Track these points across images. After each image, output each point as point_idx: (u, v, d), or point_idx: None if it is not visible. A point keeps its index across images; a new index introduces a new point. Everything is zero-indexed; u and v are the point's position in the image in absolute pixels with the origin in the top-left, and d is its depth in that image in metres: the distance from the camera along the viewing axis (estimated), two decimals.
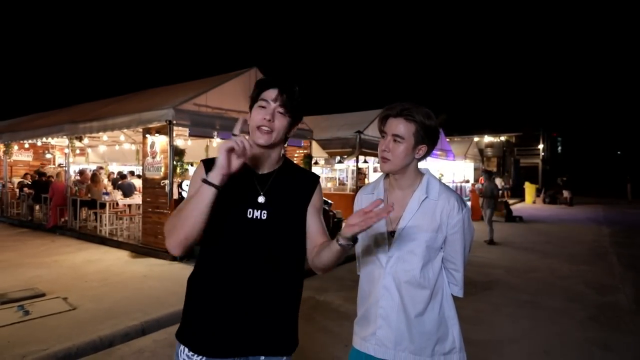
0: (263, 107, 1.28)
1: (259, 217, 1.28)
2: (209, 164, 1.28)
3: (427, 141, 1.39)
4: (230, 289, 1.26)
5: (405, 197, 1.44)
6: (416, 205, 1.40)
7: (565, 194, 19.42)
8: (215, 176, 1.13)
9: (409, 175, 1.44)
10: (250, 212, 1.28)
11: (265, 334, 1.28)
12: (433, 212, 1.39)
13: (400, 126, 1.37)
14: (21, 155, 13.07)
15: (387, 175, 1.51)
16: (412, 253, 1.39)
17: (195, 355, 1.27)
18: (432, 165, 16.79)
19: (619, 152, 47.51)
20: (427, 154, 1.43)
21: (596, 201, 20.78)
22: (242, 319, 1.25)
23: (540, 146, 30.59)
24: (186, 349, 1.28)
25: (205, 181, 1.13)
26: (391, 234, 1.42)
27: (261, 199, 1.30)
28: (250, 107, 1.32)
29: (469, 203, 14.07)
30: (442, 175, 17.80)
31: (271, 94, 1.27)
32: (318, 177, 1.45)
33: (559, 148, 41.38)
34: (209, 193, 1.13)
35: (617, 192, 26.51)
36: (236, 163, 1.15)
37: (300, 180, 1.39)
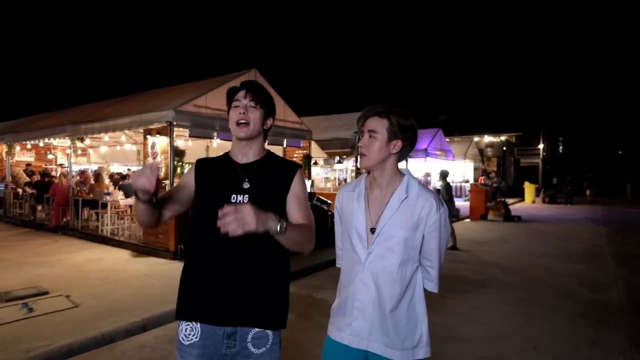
0: (237, 106, 1.49)
1: (241, 201, 1.42)
2: (201, 164, 1.56)
3: (401, 136, 1.47)
4: (217, 266, 1.41)
5: (385, 196, 1.51)
6: (396, 204, 1.46)
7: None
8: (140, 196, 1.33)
9: (388, 173, 1.51)
10: (234, 197, 1.44)
11: (252, 307, 1.40)
12: (412, 211, 1.46)
13: (374, 123, 1.48)
14: (23, 155, 13.18)
15: (368, 173, 1.59)
16: (391, 250, 1.45)
17: (191, 329, 1.41)
18: (432, 165, 16.88)
19: (620, 152, 47.47)
20: (405, 151, 1.50)
21: (596, 201, 20.80)
22: (229, 291, 1.39)
23: (541, 146, 30.61)
24: (184, 328, 1.42)
25: (136, 196, 1.33)
26: (372, 230, 1.49)
27: (246, 185, 1.46)
28: (228, 112, 1.53)
29: (467, 203, 14.15)
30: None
31: (240, 94, 1.50)
32: (299, 165, 1.57)
33: (560, 148, 41.37)
34: (139, 203, 1.35)
35: (617, 192, 26.52)
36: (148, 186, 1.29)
37: (281, 169, 1.53)
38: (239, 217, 1.14)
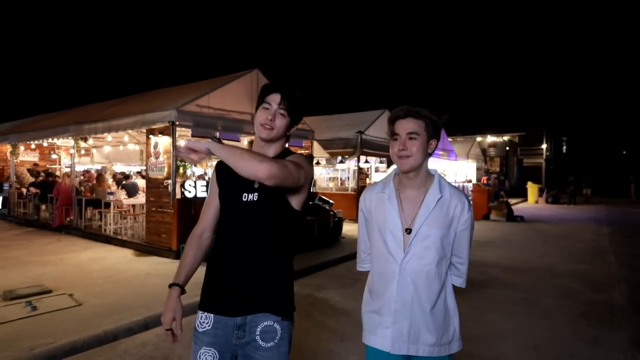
0: (266, 108, 1.50)
1: (251, 199, 1.49)
2: (220, 165, 1.59)
3: (435, 135, 1.52)
4: (227, 261, 1.49)
5: (419, 196, 1.52)
6: (432, 204, 1.49)
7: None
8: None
9: (422, 174, 1.53)
10: (245, 196, 1.49)
11: (257, 297, 1.47)
12: (447, 210, 1.49)
13: (411, 124, 1.48)
14: (27, 155, 13.27)
15: (395, 174, 1.60)
16: (429, 249, 1.47)
17: (205, 317, 1.49)
18: (434, 165, 16.83)
19: (624, 152, 47.19)
20: (436, 148, 1.55)
21: (599, 201, 20.72)
22: (237, 284, 1.47)
23: (544, 146, 30.48)
24: (200, 316, 1.50)
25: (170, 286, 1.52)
26: (407, 231, 1.49)
27: (257, 184, 1.48)
28: (257, 108, 1.55)
29: None
30: (445, 175, 17.84)
31: (274, 97, 1.49)
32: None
33: (564, 148, 41.16)
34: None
35: (621, 192, 26.38)
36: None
37: None
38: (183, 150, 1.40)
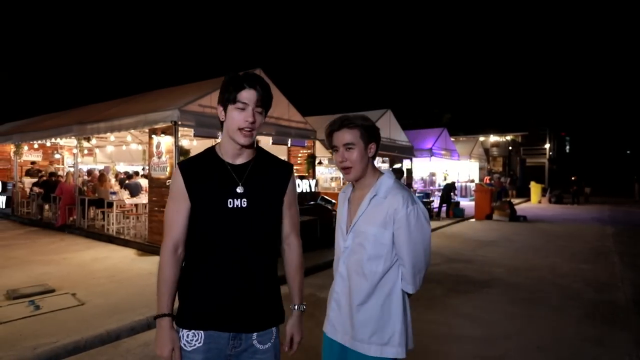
0: (242, 109, 1.35)
1: (239, 206, 1.38)
2: (187, 168, 1.42)
3: (373, 139, 1.57)
4: (220, 274, 1.38)
5: (362, 195, 1.60)
6: (366, 203, 1.55)
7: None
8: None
9: (368, 175, 1.60)
10: (230, 202, 1.38)
11: (256, 311, 1.41)
12: (381, 209, 1.52)
13: (347, 135, 1.53)
14: (31, 155, 13.32)
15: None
16: (361, 246, 1.54)
17: (193, 335, 1.37)
18: (437, 165, 16.81)
19: (628, 152, 46.97)
20: (377, 150, 1.60)
21: (603, 201, 20.63)
22: (234, 298, 1.38)
23: (547, 146, 30.37)
24: (185, 335, 1.38)
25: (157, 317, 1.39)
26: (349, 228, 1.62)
27: (239, 189, 1.40)
28: (223, 105, 1.39)
29: (472, 203, 14.07)
30: (447, 175, 17.79)
31: (249, 95, 1.35)
32: (292, 166, 1.58)
33: (567, 147, 41.00)
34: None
35: (625, 192, 26.26)
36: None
37: (276, 169, 1.50)
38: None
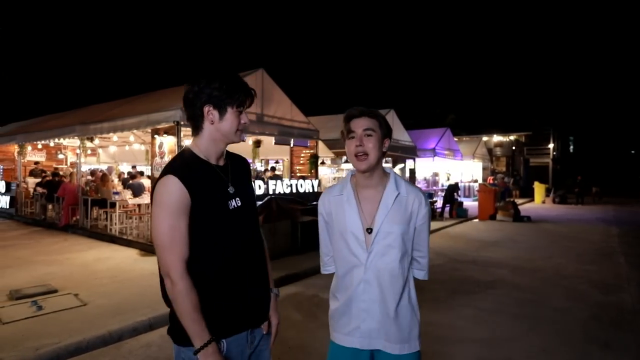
0: (241, 112, 1.42)
1: (236, 206, 1.41)
2: (185, 176, 1.29)
3: (388, 135, 1.55)
4: (231, 276, 1.38)
5: (377, 194, 1.52)
6: (391, 201, 1.50)
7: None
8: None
9: (379, 172, 1.54)
10: (230, 203, 1.40)
11: (266, 305, 1.50)
12: (405, 207, 1.51)
13: (367, 121, 1.49)
14: (35, 155, 13.37)
15: (352, 175, 1.62)
16: (391, 246, 1.48)
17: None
18: (440, 165, 16.75)
19: (632, 152, 46.68)
20: (387, 148, 1.58)
21: (607, 201, 20.49)
22: (246, 299, 1.42)
23: (551, 145, 30.20)
24: None
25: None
26: (368, 230, 1.49)
27: (231, 190, 1.42)
28: (218, 106, 1.36)
29: (475, 203, 14.01)
30: (450, 175, 17.73)
31: (247, 101, 1.44)
32: (245, 158, 1.63)
33: (571, 147, 40.78)
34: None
35: (630, 192, 26.10)
36: None
37: (243, 164, 1.57)
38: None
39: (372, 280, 1.48)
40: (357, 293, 1.50)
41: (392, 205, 1.49)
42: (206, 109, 1.36)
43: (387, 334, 1.49)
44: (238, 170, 1.49)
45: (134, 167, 13.10)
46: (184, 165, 1.35)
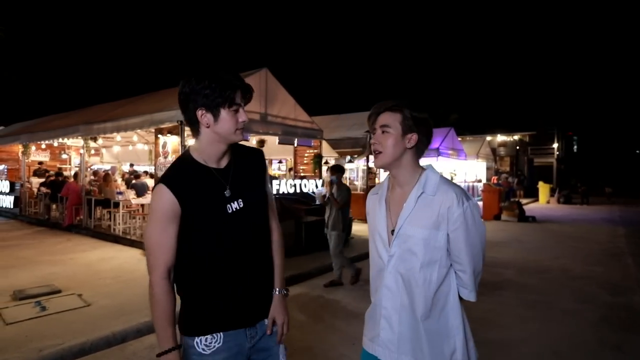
0: (237, 110, 1.34)
1: (237, 208, 1.39)
2: (175, 184, 1.30)
3: (416, 129, 1.38)
4: (231, 275, 1.39)
5: (404, 194, 1.41)
6: (413, 202, 1.37)
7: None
8: None
9: (406, 170, 1.41)
10: (229, 207, 1.38)
11: (265, 302, 1.48)
12: (431, 208, 1.34)
13: (386, 117, 1.40)
14: (39, 155, 13.40)
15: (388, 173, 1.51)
16: (411, 252, 1.35)
17: (212, 338, 1.37)
18: (444, 164, 16.66)
19: (637, 151, 46.37)
20: (421, 144, 1.42)
21: (613, 201, 20.33)
22: (244, 296, 1.41)
23: (555, 145, 30.05)
24: (203, 339, 1.36)
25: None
26: (392, 232, 1.40)
27: (227, 193, 1.39)
28: (210, 108, 1.31)
29: (480, 203, 13.92)
30: (455, 175, 17.63)
31: (240, 97, 1.35)
32: (261, 151, 1.57)
33: (575, 147, 40.57)
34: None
35: (635, 192, 25.89)
36: None
37: (251, 159, 1.51)
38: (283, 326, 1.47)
39: (392, 285, 1.38)
40: (380, 298, 1.42)
41: (414, 205, 1.36)
42: (199, 112, 1.32)
43: (407, 349, 1.35)
44: (244, 169, 1.45)
45: (131, 165, 13.12)
46: (178, 172, 1.37)
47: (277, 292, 1.50)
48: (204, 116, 1.32)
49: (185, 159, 1.40)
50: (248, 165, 1.48)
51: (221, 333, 1.37)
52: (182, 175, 1.35)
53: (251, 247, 1.42)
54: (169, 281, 1.33)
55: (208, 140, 1.35)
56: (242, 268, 1.40)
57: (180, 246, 1.33)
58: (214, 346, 1.37)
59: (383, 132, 1.40)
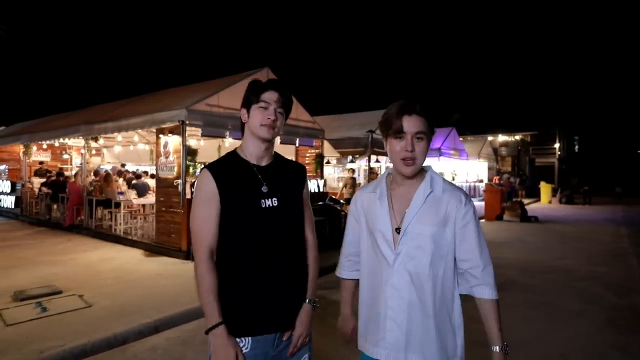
0: (264, 108, 1.45)
1: (271, 205, 1.44)
2: (217, 171, 1.44)
3: (433, 132, 1.40)
4: (261, 275, 1.41)
5: (409, 192, 1.39)
6: (421, 200, 1.35)
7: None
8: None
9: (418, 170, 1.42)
10: (263, 202, 1.44)
11: (294, 310, 1.48)
12: (438, 206, 1.35)
13: (420, 123, 1.33)
14: (40, 155, 13.38)
15: (389, 173, 1.49)
16: (420, 248, 1.33)
17: (241, 342, 1.39)
18: (445, 164, 16.63)
19: (639, 151, 46.26)
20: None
21: (615, 201, 20.27)
22: (276, 300, 1.42)
23: (557, 145, 29.98)
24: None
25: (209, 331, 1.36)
26: (397, 230, 1.37)
27: (265, 189, 1.45)
28: (246, 106, 1.48)
29: (482, 203, 13.88)
30: (456, 175, 17.59)
31: (271, 96, 1.45)
32: (304, 167, 1.67)
33: (576, 147, 40.48)
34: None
35: (637, 192, 25.81)
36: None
37: (293, 170, 1.60)
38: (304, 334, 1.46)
39: (400, 284, 1.34)
40: (384, 298, 1.36)
41: (422, 203, 1.35)
42: (241, 111, 1.50)
43: (415, 347, 1.32)
44: (283, 174, 1.53)
45: (122, 165, 13.09)
46: (221, 162, 1.51)
47: (307, 302, 1.51)
48: (243, 114, 1.49)
49: (231, 154, 1.54)
50: (288, 172, 1.56)
51: (249, 338, 1.39)
52: (224, 165, 1.49)
53: (284, 249, 1.44)
54: (212, 262, 1.40)
55: (246, 136, 1.50)
56: (276, 268, 1.42)
57: (222, 237, 1.41)
58: (243, 350, 1.38)
59: (419, 138, 1.33)
